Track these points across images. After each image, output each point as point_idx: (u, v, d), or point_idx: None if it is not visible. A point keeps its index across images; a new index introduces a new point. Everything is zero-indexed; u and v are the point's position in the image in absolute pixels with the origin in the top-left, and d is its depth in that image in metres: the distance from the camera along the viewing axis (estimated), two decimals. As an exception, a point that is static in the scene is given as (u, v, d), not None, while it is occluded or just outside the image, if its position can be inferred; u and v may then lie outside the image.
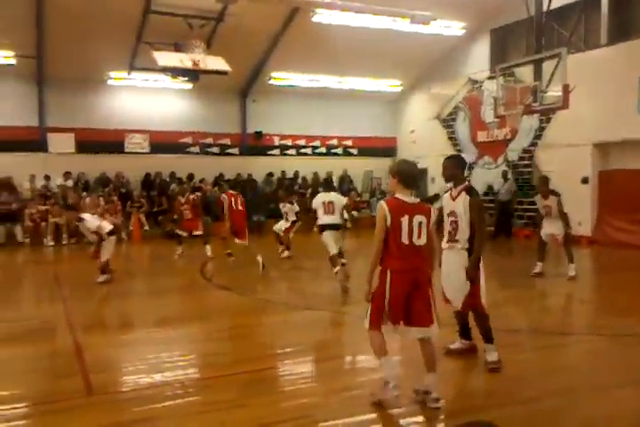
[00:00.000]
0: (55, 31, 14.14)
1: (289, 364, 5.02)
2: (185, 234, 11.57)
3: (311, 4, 13.71)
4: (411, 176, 3.94)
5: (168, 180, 17.39)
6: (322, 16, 14.29)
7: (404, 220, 3.78)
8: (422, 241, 3.85)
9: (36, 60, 15.34)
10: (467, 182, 4.81)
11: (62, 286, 8.96)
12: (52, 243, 14.24)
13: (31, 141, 16.07)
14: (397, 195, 3.90)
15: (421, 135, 19.62)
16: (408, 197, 3.89)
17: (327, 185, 11.92)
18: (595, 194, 13.82)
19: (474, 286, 4.60)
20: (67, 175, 16.21)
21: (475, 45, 17.22)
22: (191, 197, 11.75)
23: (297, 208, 11.81)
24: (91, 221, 8.56)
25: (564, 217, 8.75)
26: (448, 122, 18.51)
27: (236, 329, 6.22)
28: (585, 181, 13.84)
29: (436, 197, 18.33)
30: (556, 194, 8.83)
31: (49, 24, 13.96)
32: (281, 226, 11.63)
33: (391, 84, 19.62)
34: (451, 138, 18.46)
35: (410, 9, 13.24)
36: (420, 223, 3.82)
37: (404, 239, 3.79)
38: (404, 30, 14.87)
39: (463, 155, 17.69)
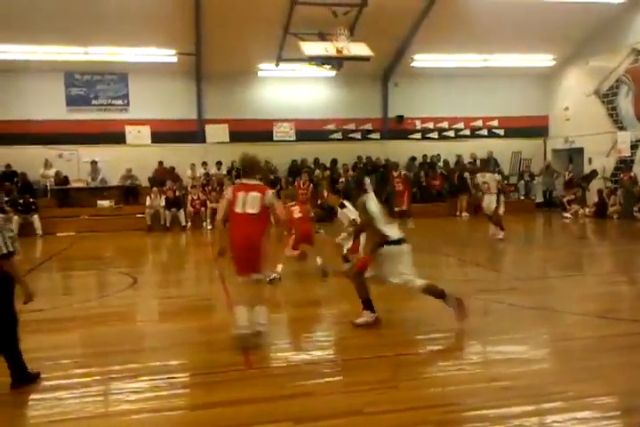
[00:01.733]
0: (211, 29, 15.16)
1: (439, 350, 5.00)
2: None
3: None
4: (245, 166, 5.37)
5: (313, 166, 17.95)
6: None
7: (240, 195, 5.01)
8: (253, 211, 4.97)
9: (194, 58, 16.58)
10: None
11: (222, 267, 9.68)
12: (210, 227, 15.43)
13: (191, 133, 17.52)
14: (242, 180, 5.25)
15: (577, 113, 18.18)
16: (248, 180, 5.19)
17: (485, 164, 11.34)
18: None
19: None
20: (218, 164, 17.41)
21: (637, 13, 15.44)
22: None
23: None
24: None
25: None
26: (608, 97, 16.90)
27: (381, 313, 6.28)
28: None
29: (594, 173, 17.01)
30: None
31: (205, 23, 14.98)
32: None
33: (543, 59, 18.32)
34: (611, 114, 16.86)
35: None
36: (254, 198, 4.98)
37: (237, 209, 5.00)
38: (557, 0, 13.77)
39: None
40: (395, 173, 15.62)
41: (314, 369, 4.49)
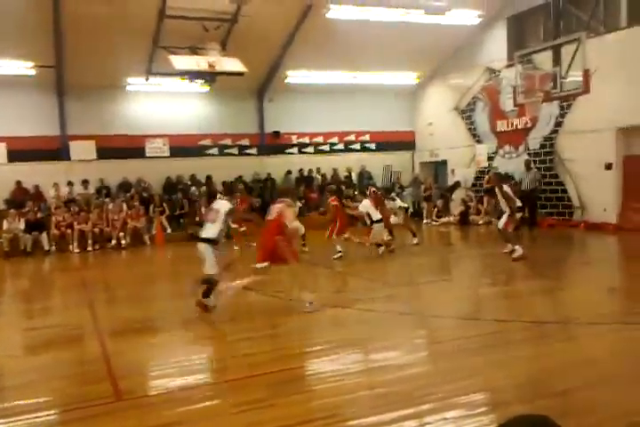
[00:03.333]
0: (72, 40, 14.31)
1: (317, 362, 5.02)
2: None
3: (324, 0, 13.66)
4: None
5: (189, 183, 17.50)
6: (335, 12, 14.22)
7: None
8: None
9: (54, 70, 15.55)
10: None
11: (88, 292, 9.08)
12: (77, 250, 14.43)
13: (53, 150, 16.32)
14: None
15: (440, 127, 19.44)
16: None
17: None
18: (619, 180, 13.53)
19: None
20: (85, 183, 16.41)
21: (491, 34, 16.95)
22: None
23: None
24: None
25: None
26: (466, 113, 18.30)
27: (263, 329, 6.22)
28: (609, 167, 13.55)
29: (457, 184, 18.33)
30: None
31: (66, 33, 14.11)
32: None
33: (407, 77, 19.45)
34: (470, 129, 18.25)
35: (424, 0, 13.10)
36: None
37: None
38: (418, 22, 14.72)
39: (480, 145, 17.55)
40: None
41: (190, 395, 4.29)
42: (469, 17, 15.85)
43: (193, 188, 17.11)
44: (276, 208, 7.17)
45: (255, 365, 4.90)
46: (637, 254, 10.69)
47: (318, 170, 19.27)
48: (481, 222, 16.18)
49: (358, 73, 18.21)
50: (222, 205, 7.24)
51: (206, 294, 6.84)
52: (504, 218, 10.04)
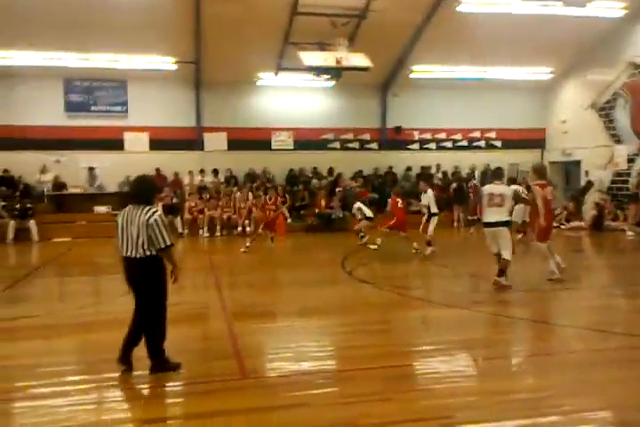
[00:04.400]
0: (210, 38, 15.24)
1: (433, 362, 4.98)
2: None
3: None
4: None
5: (311, 175, 17.98)
6: (467, 5, 13.84)
7: None
8: None
9: (194, 65, 16.65)
10: None
11: (216, 274, 9.69)
12: (207, 234, 15.39)
13: (189, 140, 17.54)
14: None
15: (574, 125, 18.27)
16: None
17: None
18: None
19: None
20: (215, 172, 17.42)
21: (636, 26, 15.59)
22: None
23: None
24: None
25: None
26: (605, 110, 17.02)
27: (378, 324, 6.29)
28: None
29: (590, 185, 17.10)
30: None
31: (205, 31, 15.06)
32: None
33: (541, 72, 18.45)
34: (608, 127, 16.97)
35: (563, -10, 12.36)
36: None
37: None
38: (555, 14, 13.91)
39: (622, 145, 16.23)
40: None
41: (309, 380, 4.47)
42: (612, 9, 14.69)
43: (314, 180, 17.55)
44: None
45: (370, 357, 4.98)
46: None
47: (438, 167, 18.92)
48: (623, 229, 14.95)
49: (487, 68, 17.60)
50: (506, 189, 7.98)
51: (501, 273, 7.70)
52: None
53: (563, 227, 16.27)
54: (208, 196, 16.17)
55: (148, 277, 4.55)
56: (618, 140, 16.62)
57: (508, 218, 7.94)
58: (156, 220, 4.48)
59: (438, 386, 4.35)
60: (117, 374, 4.52)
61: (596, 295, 7.99)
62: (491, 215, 7.86)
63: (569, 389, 4.25)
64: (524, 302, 7.45)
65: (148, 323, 4.60)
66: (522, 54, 16.60)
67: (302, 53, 13.90)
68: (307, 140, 18.25)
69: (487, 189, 8.11)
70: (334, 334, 6.11)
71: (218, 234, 15.47)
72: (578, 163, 18.27)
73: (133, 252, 4.51)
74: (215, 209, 15.66)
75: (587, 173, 17.74)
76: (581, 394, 4.13)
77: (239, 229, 15.46)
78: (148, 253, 4.48)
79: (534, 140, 19.63)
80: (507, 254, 7.78)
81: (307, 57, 13.72)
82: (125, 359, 4.56)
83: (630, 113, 16.14)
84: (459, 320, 6.38)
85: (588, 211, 16.53)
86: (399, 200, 11.73)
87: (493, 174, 9.02)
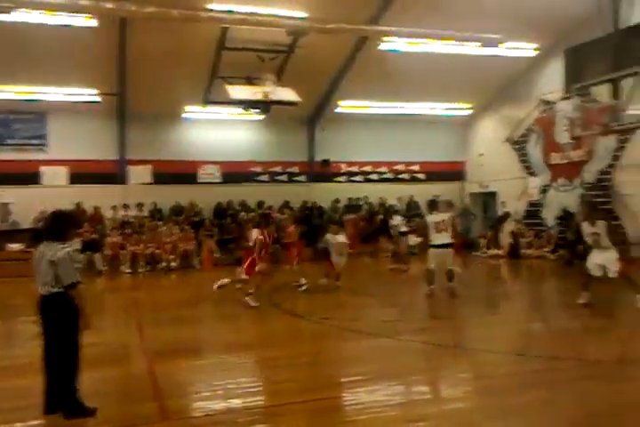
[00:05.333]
0: (136, 70, 15.02)
1: (358, 393, 4.94)
2: None
3: (379, 33, 13.91)
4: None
5: (239, 208, 17.84)
6: (388, 44, 14.46)
7: None
8: None
9: (117, 98, 16.33)
10: None
11: (138, 312, 9.29)
12: (129, 270, 14.82)
13: (112, 174, 17.03)
14: None
15: (491, 159, 19.23)
16: None
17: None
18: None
19: None
20: (139, 206, 16.93)
21: (547, 66, 16.77)
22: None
23: None
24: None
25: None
26: (519, 144, 18.06)
27: (305, 356, 6.20)
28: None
29: (507, 215, 17.95)
30: (604, 219, 8.20)
31: (130, 63, 14.83)
32: None
33: (460, 108, 19.43)
34: (522, 160, 17.98)
35: (479, 32, 13.14)
36: None
37: None
38: (473, 54, 14.77)
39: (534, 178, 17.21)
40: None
41: (235, 418, 4.31)
42: (525, 50, 15.83)
43: (242, 213, 17.42)
44: None
45: (297, 391, 4.89)
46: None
47: (365, 198, 19.31)
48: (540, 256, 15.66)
49: (411, 104, 18.34)
50: (445, 216, 9.61)
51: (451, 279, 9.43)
52: (614, 260, 8.02)
53: (483, 255, 16.91)
54: (130, 230, 15.64)
55: (54, 316, 4.33)
56: (531, 173, 17.61)
57: (451, 240, 9.40)
58: (63, 256, 4.32)
59: (362, 417, 4.30)
60: (25, 424, 4.18)
61: (513, 320, 8.26)
62: (439, 239, 9.33)
63: (490, 413, 4.31)
64: (446, 328, 7.59)
65: (59, 365, 4.31)
66: (442, 90, 17.41)
67: (230, 87, 13.95)
68: (235, 173, 18.18)
69: (431, 218, 9.68)
70: (262, 368, 5.97)
71: (141, 270, 14.92)
72: (495, 194, 19.18)
73: (42, 289, 4.33)
74: (138, 244, 15.15)
75: (503, 203, 18.62)
76: (502, 418, 4.19)
77: (163, 264, 15.00)
78: (54, 290, 4.31)
79: (455, 173, 20.49)
80: (457, 268, 9.74)
81: (234, 91, 13.77)
82: (51, 408, 4.28)
83: (542, 147, 17.19)
84: (384, 349, 6.40)
85: (505, 239, 17.27)
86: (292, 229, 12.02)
87: (431, 206, 10.71)
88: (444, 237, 9.32)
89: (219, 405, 4.64)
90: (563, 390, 4.78)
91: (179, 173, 17.46)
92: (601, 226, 8.06)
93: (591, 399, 4.63)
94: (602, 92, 12.39)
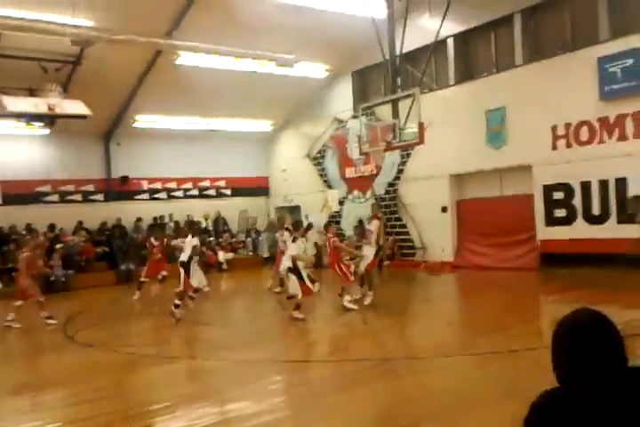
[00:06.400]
0: None
1: (163, 420, 4.68)
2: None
3: (174, 47, 13.66)
4: None
5: (24, 233, 15.97)
6: (185, 59, 14.27)
7: None
8: None
9: None
10: None
11: None
12: None
13: None
14: None
15: (293, 174, 20.00)
16: None
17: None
18: (454, 222, 14.81)
19: None
20: None
21: (338, 86, 18.06)
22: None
23: None
24: None
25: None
26: (318, 160, 19.08)
27: (107, 389, 5.71)
28: (444, 210, 14.82)
29: (310, 226, 18.73)
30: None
31: None
32: None
33: (262, 125, 19.92)
34: (321, 175, 19.01)
35: (274, 52, 13.62)
36: None
37: None
38: (270, 72, 15.26)
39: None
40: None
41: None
42: (318, 70, 16.84)
43: (27, 237, 15.61)
44: None
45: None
46: (472, 290, 11.66)
47: (171, 216, 18.71)
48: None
49: (212, 119, 18.31)
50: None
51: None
52: (369, 257, 9.67)
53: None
54: None
55: None
56: (329, 186, 18.70)
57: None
58: None
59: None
60: None
61: (317, 328, 8.61)
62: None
63: (305, 418, 4.38)
64: (256, 345, 7.60)
65: None
66: (243, 107, 17.67)
67: (6, 98, 12.52)
68: (18, 194, 16.26)
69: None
70: (58, 408, 5.34)
71: None
72: (299, 207, 19.98)
73: None
74: None
75: (306, 216, 19.46)
76: (310, 423, 4.28)
77: None
78: None
79: (260, 188, 20.92)
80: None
81: (12, 102, 12.37)
82: None
83: (338, 162, 18.37)
84: (190, 372, 6.19)
85: (309, 251, 18.03)
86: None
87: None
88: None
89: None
90: (364, 389, 5.05)
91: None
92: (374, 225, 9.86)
93: (386, 394, 4.97)
94: (384, 112, 13.67)
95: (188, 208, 19.05)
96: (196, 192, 19.75)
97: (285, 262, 9.70)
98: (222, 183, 20.24)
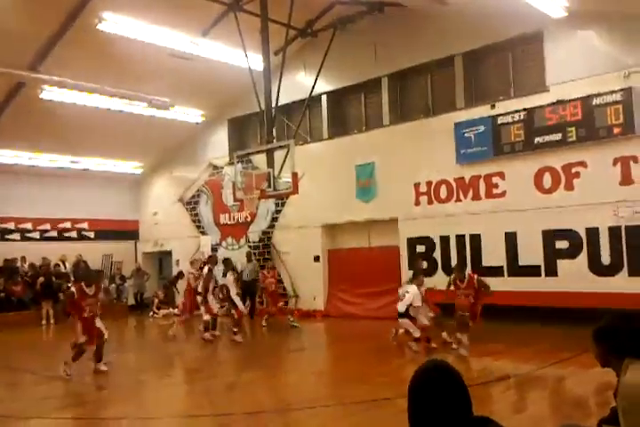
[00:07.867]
0: None
1: None
2: None
3: (39, 81, 12.93)
4: None
5: None
6: (51, 93, 13.53)
7: None
8: None
9: None
10: None
11: None
12: None
13: None
14: None
15: (165, 218, 19.38)
16: None
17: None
18: (325, 271, 15.09)
19: None
20: None
21: (214, 132, 18.05)
22: None
23: None
24: None
25: None
26: (191, 204, 18.69)
27: None
28: (317, 259, 15.08)
29: (181, 274, 18.04)
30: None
31: None
32: None
33: (131, 166, 19.23)
34: (194, 220, 18.59)
35: (148, 93, 13.38)
36: None
37: None
38: (142, 113, 14.90)
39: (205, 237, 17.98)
40: None
41: None
42: (192, 115, 16.75)
43: None
44: None
45: None
46: (341, 339, 11.80)
47: (24, 259, 17.14)
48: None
49: (78, 158, 17.37)
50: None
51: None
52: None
53: (155, 316, 16.57)
54: None
55: None
56: (203, 232, 18.31)
57: None
58: None
59: None
60: None
61: (181, 382, 8.17)
62: None
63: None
64: (108, 400, 7.02)
65: None
66: (112, 147, 17.00)
67: None
68: None
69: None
70: None
71: None
72: (170, 253, 19.26)
73: None
74: None
75: (177, 262, 18.80)
76: None
77: None
78: None
79: (128, 232, 19.93)
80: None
81: None
82: None
83: (212, 208, 18.11)
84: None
85: (181, 298, 17.29)
86: None
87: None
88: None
89: None
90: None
91: None
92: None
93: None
94: (260, 160, 13.83)
95: (45, 251, 17.58)
96: (54, 234, 18.35)
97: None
98: (85, 225, 19.04)
